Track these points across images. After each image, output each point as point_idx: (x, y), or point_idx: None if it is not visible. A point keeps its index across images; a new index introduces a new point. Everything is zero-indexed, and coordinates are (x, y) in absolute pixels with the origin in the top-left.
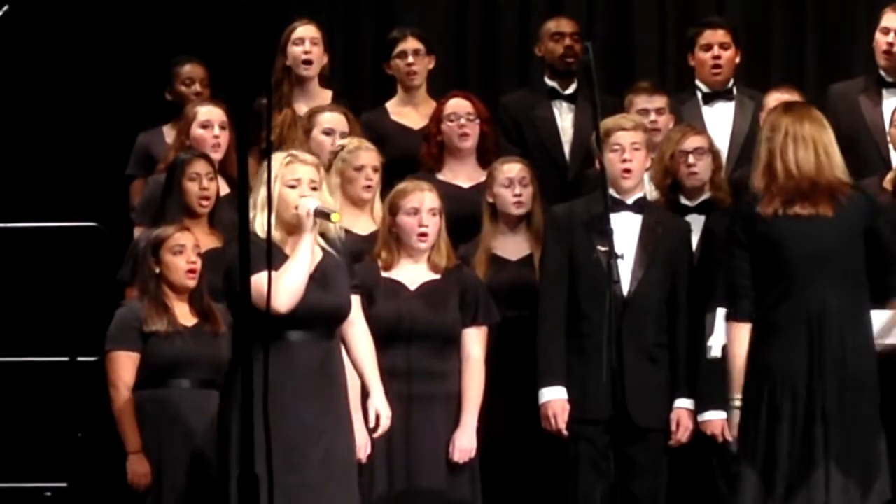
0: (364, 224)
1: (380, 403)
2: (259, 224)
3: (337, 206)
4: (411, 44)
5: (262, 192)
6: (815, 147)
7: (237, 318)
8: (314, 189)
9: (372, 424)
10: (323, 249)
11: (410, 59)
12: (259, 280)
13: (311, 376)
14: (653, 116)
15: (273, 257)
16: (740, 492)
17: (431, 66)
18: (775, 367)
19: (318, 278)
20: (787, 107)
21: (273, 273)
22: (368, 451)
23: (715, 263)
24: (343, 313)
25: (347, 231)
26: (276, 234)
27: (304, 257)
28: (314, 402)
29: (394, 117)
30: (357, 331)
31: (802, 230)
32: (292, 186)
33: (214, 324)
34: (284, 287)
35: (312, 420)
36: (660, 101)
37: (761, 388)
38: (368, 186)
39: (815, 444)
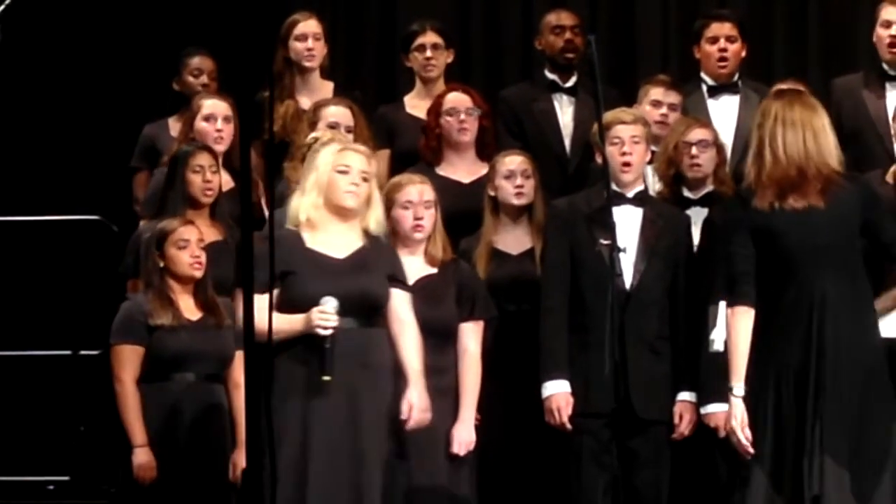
0: None
1: (414, 396)
2: (301, 208)
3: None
4: (430, 37)
5: (311, 177)
6: (803, 131)
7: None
8: (365, 180)
9: (405, 416)
10: (368, 236)
11: (429, 53)
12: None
13: (350, 364)
14: (664, 110)
15: (300, 249)
16: (748, 489)
17: (450, 59)
18: (777, 358)
19: (355, 264)
20: (778, 93)
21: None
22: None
23: (716, 256)
24: (374, 299)
25: None
26: (319, 214)
27: (292, 331)
28: (353, 391)
29: (409, 110)
30: (404, 329)
31: (798, 222)
32: (342, 172)
33: (219, 317)
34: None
35: (353, 410)
36: (675, 97)
37: (765, 381)
38: None
39: (812, 435)
